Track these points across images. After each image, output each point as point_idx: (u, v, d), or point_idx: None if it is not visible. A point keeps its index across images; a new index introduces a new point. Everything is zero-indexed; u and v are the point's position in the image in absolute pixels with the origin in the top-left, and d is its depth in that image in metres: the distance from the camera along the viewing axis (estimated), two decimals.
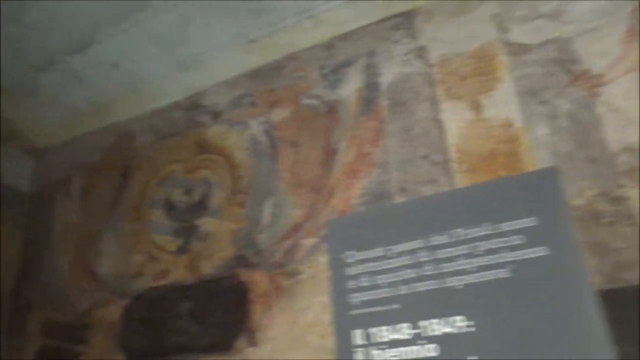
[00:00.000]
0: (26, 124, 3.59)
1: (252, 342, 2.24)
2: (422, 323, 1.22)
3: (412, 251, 1.29)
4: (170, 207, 2.83)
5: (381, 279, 1.31)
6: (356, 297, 1.33)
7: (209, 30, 2.90)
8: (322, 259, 2.21)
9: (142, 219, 2.90)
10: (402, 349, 1.23)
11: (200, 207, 2.71)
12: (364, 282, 1.33)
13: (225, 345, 2.30)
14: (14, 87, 3.43)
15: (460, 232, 1.26)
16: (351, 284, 1.34)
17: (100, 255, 2.96)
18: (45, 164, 3.59)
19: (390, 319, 1.25)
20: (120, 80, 3.23)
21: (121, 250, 2.89)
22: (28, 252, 3.30)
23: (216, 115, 2.91)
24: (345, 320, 1.33)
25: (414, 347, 1.21)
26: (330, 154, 2.40)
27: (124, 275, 2.81)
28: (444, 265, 1.26)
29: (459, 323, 1.19)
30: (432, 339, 1.20)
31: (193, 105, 3.05)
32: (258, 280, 2.34)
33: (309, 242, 2.27)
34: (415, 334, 1.23)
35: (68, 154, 3.49)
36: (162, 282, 2.65)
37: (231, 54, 2.90)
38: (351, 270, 1.35)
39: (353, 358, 1.28)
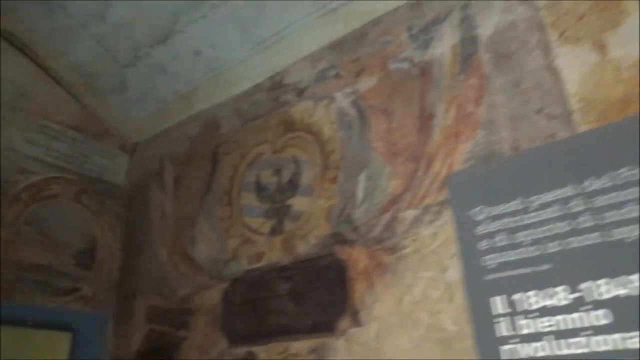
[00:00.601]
0: (118, 120, 3.72)
1: (356, 322, 2.12)
2: (583, 285, 1.01)
3: (562, 200, 1.08)
4: (260, 189, 2.78)
5: (522, 236, 1.11)
6: (492, 260, 1.14)
7: (287, 6, 2.80)
8: (426, 232, 2.04)
9: (234, 203, 2.88)
10: (559, 317, 1.02)
11: (291, 186, 2.63)
12: (501, 241, 1.14)
13: (328, 326, 2.20)
14: (104, 86, 3.56)
15: (624, 173, 1.03)
16: (484, 244, 1.16)
17: (196, 241, 2.98)
18: (139, 157, 3.70)
19: (539, 283, 1.05)
20: (203, 68, 3.24)
21: (216, 235, 2.89)
22: (129, 243, 3.41)
23: (300, 92, 2.81)
24: (481, 286, 1.15)
25: (575, 315, 1.00)
26: (426, 118, 2.21)
27: (220, 259, 2.80)
28: (607, 214, 1.04)
29: (635, 283, 0.96)
30: (599, 304, 0.98)
31: (276, 85, 2.97)
32: (357, 257, 2.21)
33: (410, 214, 2.11)
34: (575, 298, 1.02)
35: (159, 146, 3.57)
36: (259, 265, 2.60)
37: (311, 27, 2.79)
38: (483, 229, 1.17)
39: (495, 330, 1.09)
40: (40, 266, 3.04)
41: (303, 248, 2.44)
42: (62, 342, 2.08)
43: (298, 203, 2.56)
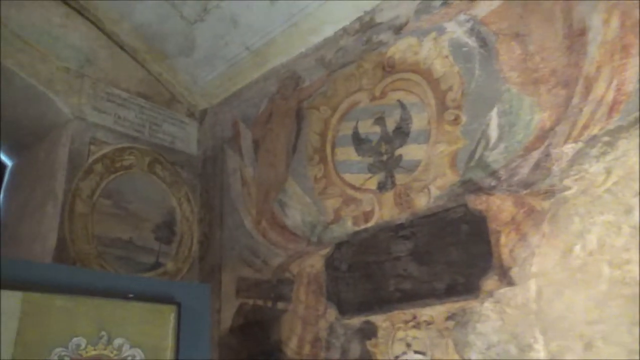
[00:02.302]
0: (185, 86, 3.46)
1: (507, 282, 1.78)
2: None
3: None
4: (359, 141, 2.47)
5: None
6: None
7: None
8: (595, 168, 1.67)
9: (328, 160, 2.58)
10: None
11: (399, 134, 2.30)
12: None
13: (468, 288, 1.88)
14: (170, 49, 3.30)
15: None
16: None
17: (286, 206, 2.70)
18: (209, 124, 3.44)
19: None
20: (279, 17, 2.91)
21: (309, 197, 2.60)
22: (208, 214, 3.17)
23: (398, 29, 2.46)
24: None
25: None
26: (577, 34, 1.82)
27: (318, 223, 2.51)
28: None
29: None
30: None
31: (366, 26, 2.63)
32: (499, 206, 1.87)
33: (568, 149, 1.74)
34: None
35: (232, 110, 3.30)
36: (368, 225, 2.30)
37: None
38: None
39: None
40: (122, 241, 2.84)
41: (423, 202, 2.12)
42: (167, 314, 1.82)
43: (411, 152, 2.23)
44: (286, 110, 2.92)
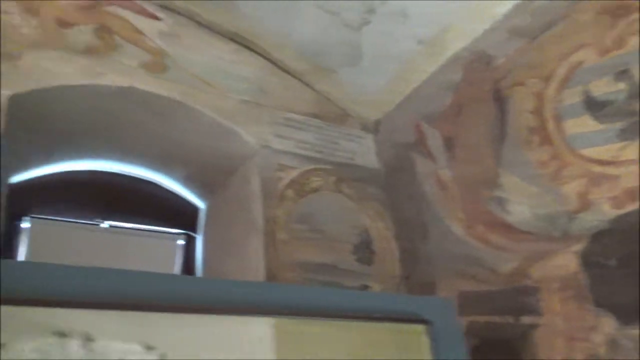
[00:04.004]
0: (353, 99, 3.30)
1: None
2: None
3: None
4: (596, 106, 2.00)
5: None
6: None
7: None
8: None
9: (553, 138, 2.14)
10: None
11: None
12: None
13: None
14: (334, 62, 3.16)
15: None
16: None
17: (505, 202, 2.31)
18: (385, 133, 3.21)
19: None
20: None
21: (536, 186, 2.17)
22: (404, 228, 2.89)
23: None
24: None
25: None
26: None
27: (557, 214, 2.06)
28: None
29: None
30: None
31: None
32: None
33: None
34: None
35: (409, 112, 3.03)
36: (635, 207, 1.80)
37: None
38: None
39: None
40: (324, 266, 2.66)
41: None
42: (418, 335, 1.52)
43: None
44: (479, 96, 2.55)
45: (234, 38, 3.13)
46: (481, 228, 2.40)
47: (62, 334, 1.13)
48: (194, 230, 3.27)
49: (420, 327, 1.59)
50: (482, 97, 2.52)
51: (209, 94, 2.86)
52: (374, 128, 3.32)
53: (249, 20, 3.06)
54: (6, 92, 2.28)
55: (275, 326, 1.39)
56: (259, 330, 1.38)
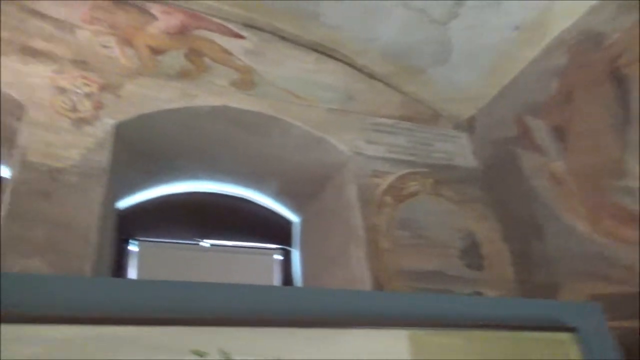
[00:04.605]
0: (445, 97, 3.15)
1: None
2: None
3: None
4: None
5: None
6: None
7: None
8: None
9: None
10: None
11: None
12: None
13: None
14: (422, 62, 3.04)
15: None
16: None
17: (634, 192, 2.05)
18: (483, 129, 3.02)
19: None
20: None
21: None
22: (514, 229, 2.68)
23: None
24: None
25: None
26: None
27: None
28: None
29: None
30: None
31: None
32: None
33: None
34: None
35: (507, 105, 2.83)
36: None
37: None
38: None
39: None
40: (432, 273, 2.52)
41: None
42: (566, 345, 1.35)
43: None
44: (593, 79, 2.32)
45: (317, 48, 3.11)
46: (609, 223, 2.15)
47: (200, 352, 1.09)
48: (290, 244, 3.25)
49: (566, 336, 1.41)
50: (596, 79, 2.29)
51: (298, 106, 2.84)
52: (467, 126, 3.15)
53: (330, 29, 3.02)
54: (111, 121, 2.37)
55: (410, 338, 1.29)
56: (393, 343, 1.28)
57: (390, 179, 2.73)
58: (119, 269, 2.70)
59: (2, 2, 2.55)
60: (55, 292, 1.05)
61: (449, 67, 3.00)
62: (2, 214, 1.94)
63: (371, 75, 3.16)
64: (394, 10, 2.80)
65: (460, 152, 3.04)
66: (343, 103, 2.97)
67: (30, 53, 2.42)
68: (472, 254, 2.63)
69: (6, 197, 2.00)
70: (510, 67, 2.81)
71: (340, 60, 3.14)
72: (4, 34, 2.40)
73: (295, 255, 3.20)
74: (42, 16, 2.59)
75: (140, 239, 2.87)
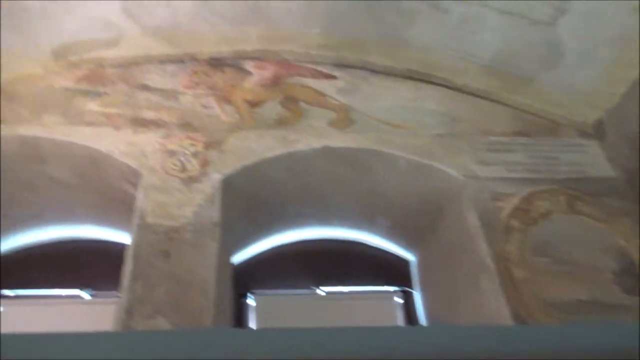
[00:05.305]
0: (562, 103, 2.83)
1: None
2: None
3: None
4: None
5: None
6: None
7: None
8: None
9: None
10: None
11: None
12: None
13: None
14: (530, 71, 2.79)
15: None
16: None
17: None
18: (616, 131, 2.65)
19: None
20: None
21: None
22: None
23: None
24: None
25: None
26: None
27: None
28: None
29: None
30: None
31: None
32: None
33: None
34: None
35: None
36: None
37: None
38: None
39: None
40: (583, 303, 2.15)
41: None
42: None
43: None
44: None
45: (411, 75, 2.99)
46: None
47: None
48: (408, 284, 3.02)
49: None
50: None
51: (399, 136, 2.70)
52: (595, 131, 2.78)
53: (422, 52, 2.90)
54: (218, 176, 2.40)
55: None
56: None
57: (514, 200, 2.44)
58: (239, 323, 2.66)
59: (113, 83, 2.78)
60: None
61: (562, 70, 2.70)
62: (127, 277, 1.98)
63: (474, 93, 2.95)
64: (489, 19, 2.61)
65: (592, 161, 2.67)
66: (448, 126, 2.78)
67: (141, 123, 2.56)
68: (629, 277, 2.22)
69: (129, 261, 2.05)
70: (636, 56, 2.45)
71: (438, 84, 2.98)
72: (116, 110, 2.59)
73: (417, 296, 2.96)
74: (149, 88, 2.77)
75: (257, 291, 2.83)
